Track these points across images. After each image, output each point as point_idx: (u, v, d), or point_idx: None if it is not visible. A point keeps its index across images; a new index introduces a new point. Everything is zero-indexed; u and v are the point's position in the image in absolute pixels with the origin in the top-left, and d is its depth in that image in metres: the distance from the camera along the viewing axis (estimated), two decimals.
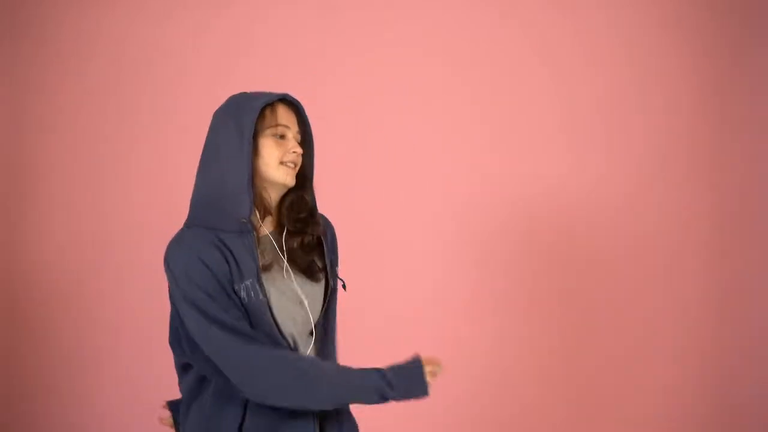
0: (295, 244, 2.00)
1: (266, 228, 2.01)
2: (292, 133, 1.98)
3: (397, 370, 1.91)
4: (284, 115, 1.97)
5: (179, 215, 3.25)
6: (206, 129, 3.25)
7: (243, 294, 1.88)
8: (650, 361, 3.40)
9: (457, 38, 3.41)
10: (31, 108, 3.35)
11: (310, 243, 2.03)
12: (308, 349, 1.99)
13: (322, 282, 2.05)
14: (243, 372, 1.83)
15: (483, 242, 3.39)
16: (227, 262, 1.87)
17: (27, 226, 3.33)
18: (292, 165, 1.97)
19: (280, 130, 1.96)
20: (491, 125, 3.42)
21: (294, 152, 1.96)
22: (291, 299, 1.96)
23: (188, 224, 1.96)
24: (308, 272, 2.01)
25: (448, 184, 3.40)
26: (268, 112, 1.97)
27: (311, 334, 2.01)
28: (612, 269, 3.42)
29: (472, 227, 3.38)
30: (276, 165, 1.95)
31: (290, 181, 1.97)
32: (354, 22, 3.39)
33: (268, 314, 1.90)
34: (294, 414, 1.91)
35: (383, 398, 1.88)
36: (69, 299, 3.32)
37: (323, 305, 2.06)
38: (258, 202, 1.97)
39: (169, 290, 1.93)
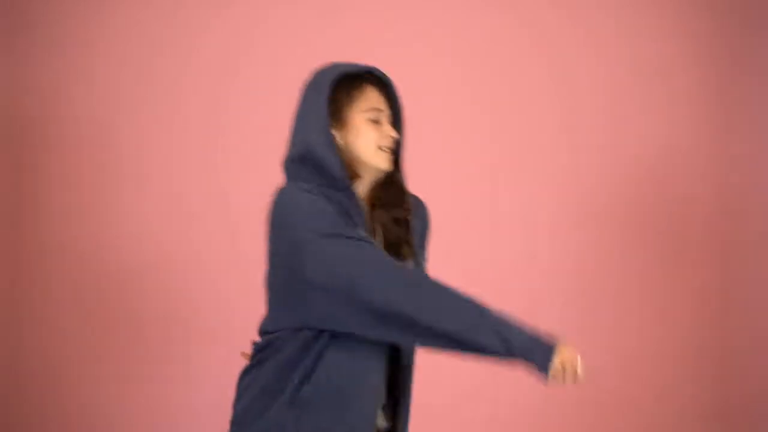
0: (385, 218, 1.95)
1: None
2: (385, 115, 1.94)
3: (529, 331, 1.77)
4: (375, 97, 1.93)
5: (184, 212, 3.29)
6: (210, 126, 3.30)
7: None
8: (648, 360, 3.40)
9: (459, 37, 3.41)
10: (31, 105, 3.35)
11: (400, 219, 1.97)
12: None
13: (409, 263, 1.98)
14: (390, 280, 1.76)
15: (486, 243, 3.39)
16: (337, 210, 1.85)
17: (28, 225, 3.33)
18: (388, 149, 1.93)
19: (373, 114, 1.91)
20: (492, 124, 3.42)
21: (390, 136, 1.92)
22: None
23: (290, 179, 1.93)
24: (394, 248, 1.95)
25: (448, 184, 3.39)
26: (357, 93, 1.91)
27: None
28: (613, 265, 3.42)
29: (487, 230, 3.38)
30: (374, 150, 1.91)
31: (388, 165, 1.94)
32: (354, 22, 3.39)
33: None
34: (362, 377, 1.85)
35: (505, 346, 1.74)
36: (70, 298, 3.32)
37: None
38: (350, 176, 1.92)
39: (275, 248, 1.87)
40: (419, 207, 2.05)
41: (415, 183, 3.30)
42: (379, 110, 1.92)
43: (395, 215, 1.95)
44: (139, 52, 3.36)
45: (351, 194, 1.87)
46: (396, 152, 1.98)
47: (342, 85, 1.91)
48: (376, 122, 1.92)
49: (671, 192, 3.43)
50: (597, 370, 3.38)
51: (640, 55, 3.42)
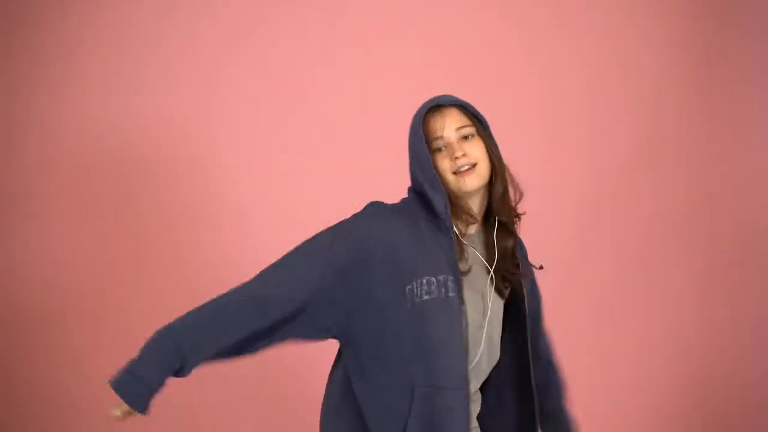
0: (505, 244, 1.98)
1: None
2: (448, 138, 1.91)
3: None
4: (433, 125, 1.92)
5: (182, 212, 3.29)
6: (208, 124, 3.30)
7: (424, 288, 1.82)
8: (634, 358, 3.43)
9: (457, 38, 3.43)
10: (28, 104, 3.35)
11: (511, 246, 1.98)
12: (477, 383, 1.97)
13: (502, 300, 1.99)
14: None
15: None
16: (410, 247, 1.85)
17: (27, 227, 3.33)
18: (465, 168, 1.90)
19: (434, 144, 1.91)
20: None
21: (456, 158, 1.89)
22: (477, 309, 1.94)
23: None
24: (501, 284, 1.97)
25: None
26: (423, 127, 1.92)
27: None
28: (600, 264, 3.43)
29: None
30: (452, 177, 1.90)
31: (467, 185, 1.90)
32: (354, 22, 3.40)
33: (460, 312, 1.84)
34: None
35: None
36: (70, 301, 3.32)
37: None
38: (458, 211, 1.92)
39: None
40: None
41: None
42: (438, 138, 1.91)
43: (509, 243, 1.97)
44: (135, 51, 3.36)
45: (449, 233, 1.86)
46: (493, 164, 1.95)
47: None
48: (441, 150, 1.91)
49: (658, 186, 3.44)
50: (588, 368, 3.43)
51: (626, 51, 3.45)
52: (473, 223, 1.93)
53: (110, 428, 2.43)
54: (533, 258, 2.08)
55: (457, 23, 3.42)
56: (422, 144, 1.88)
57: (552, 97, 3.43)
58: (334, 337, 1.91)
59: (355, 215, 1.93)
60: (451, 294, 1.80)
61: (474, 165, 1.90)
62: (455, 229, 1.90)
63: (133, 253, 3.29)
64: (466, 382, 1.81)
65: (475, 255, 1.94)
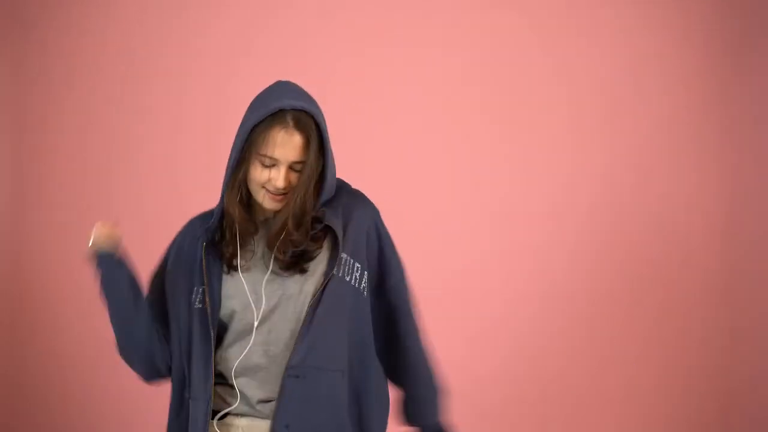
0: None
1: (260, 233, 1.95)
2: (283, 163, 1.85)
3: None
4: (277, 145, 1.84)
5: (186, 213, 3.28)
6: (212, 127, 3.28)
7: (193, 296, 1.94)
8: (653, 359, 3.41)
9: (457, 33, 3.43)
10: (35, 106, 3.35)
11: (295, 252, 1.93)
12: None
13: (313, 275, 1.93)
14: None
15: (484, 243, 3.39)
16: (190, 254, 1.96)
17: (31, 227, 3.33)
18: (277, 195, 1.88)
19: (266, 160, 1.85)
20: (494, 123, 3.42)
21: (275, 186, 1.86)
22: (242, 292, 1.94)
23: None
24: (292, 267, 1.92)
25: (448, 183, 3.39)
26: (259, 135, 1.84)
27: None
28: (617, 266, 3.42)
29: (482, 230, 3.38)
30: (260, 188, 1.88)
31: (271, 206, 1.89)
32: (355, 20, 3.39)
33: (207, 322, 1.91)
34: None
35: None
36: (73, 299, 3.33)
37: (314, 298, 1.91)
38: (254, 210, 1.94)
39: None
40: (357, 205, 1.99)
41: (418, 182, 3.34)
42: (272, 159, 1.86)
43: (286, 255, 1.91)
44: (145, 51, 3.37)
45: (201, 246, 1.95)
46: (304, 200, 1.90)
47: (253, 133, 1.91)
48: (269, 167, 1.88)
49: (672, 189, 3.43)
50: (599, 369, 3.42)
51: (639, 50, 3.43)
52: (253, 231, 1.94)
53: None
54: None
55: (469, 21, 3.42)
56: (234, 156, 1.88)
57: (563, 98, 3.42)
58: None
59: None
60: (198, 306, 1.91)
61: (286, 195, 1.88)
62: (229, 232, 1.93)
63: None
64: (206, 394, 1.87)
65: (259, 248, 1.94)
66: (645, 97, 3.41)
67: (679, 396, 3.39)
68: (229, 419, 1.92)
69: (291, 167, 1.86)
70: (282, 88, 1.91)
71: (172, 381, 2.01)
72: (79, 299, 3.28)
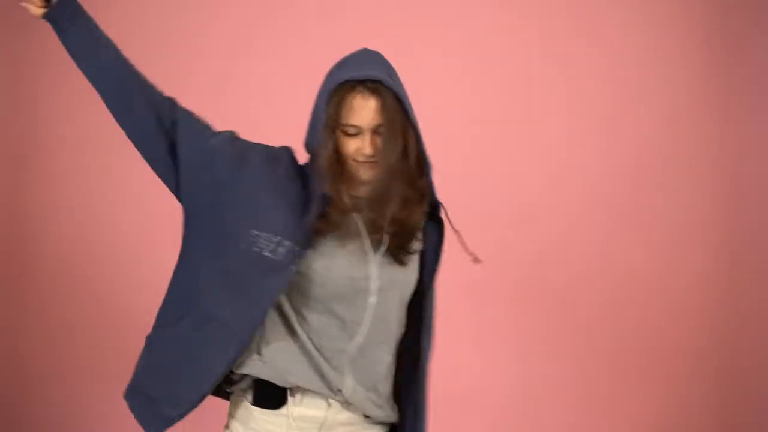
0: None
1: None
2: (366, 129, 1.86)
3: None
4: (358, 110, 1.84)
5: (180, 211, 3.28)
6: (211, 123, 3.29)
7: (269, 243, 1.83)
8: (649, 362, 3.45)
9: (460, 33, 3.46)
10: (35, 103, 3.36)
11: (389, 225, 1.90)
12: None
13: (409, 270, 1.95)
14: None
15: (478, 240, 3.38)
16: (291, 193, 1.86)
17: (29, 224, 3.34)
18: (367, 163, 1.87)
19: (350, 129, 1.85)
20: (494, 123, 3.42)
21: (363, 154, 1.86)
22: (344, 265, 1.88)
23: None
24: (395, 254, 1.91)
25: (446, 182, 3.39)
26: (339, 101, 1.84)
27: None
28: (611, 267, 3.42)
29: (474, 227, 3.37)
30: (350, 161, 1.87)
31: (365, 176, 1.88)
32: (355, 20, 3.40)
33: (286, 273, 1.81)
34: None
35: None
36: (77, 293, 3.34)
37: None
38: (348, 180, 1.89)
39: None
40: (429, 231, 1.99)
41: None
42: (355, 126, 1.85)
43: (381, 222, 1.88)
44: (137, 53, 3.36)
45: (321, 207, 1.85)
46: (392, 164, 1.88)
47: (334, 94, 1.86)
48: (353, 135, 1.86)
49: (673, 181, 3.46)
50: (596, 371, 3.42)
51: (640, 44, 3.46)
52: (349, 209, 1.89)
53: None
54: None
55: (467, 21, 3.45)
56: (326, 124, 1.85)
57: (564, 91, 3.47)
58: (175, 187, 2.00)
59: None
60: (286, 257, 1.81)
61: (377, 162, 1.87)
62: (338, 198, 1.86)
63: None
64: (249, 331, 1.81)
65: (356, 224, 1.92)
66: (645, 96, 3.43)
67: (666, 392, 3.43)
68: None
69: (375, 132, 1.86)
70: (360, 57, 1.92)
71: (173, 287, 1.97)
72: (86, 293, 3.29)
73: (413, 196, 1.88)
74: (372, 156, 1.85)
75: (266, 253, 1.81)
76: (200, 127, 1.94)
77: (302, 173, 1.92)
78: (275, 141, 3.30)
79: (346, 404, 1.90)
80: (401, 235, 1.90)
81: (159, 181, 3.31)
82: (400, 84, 1.88)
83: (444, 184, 3.36)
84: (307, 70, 3.38)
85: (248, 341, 1.83)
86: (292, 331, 1.88)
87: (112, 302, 3.35)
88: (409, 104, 1.87)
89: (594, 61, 3.42)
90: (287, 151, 1.96)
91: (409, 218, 1.89)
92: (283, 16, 3.38)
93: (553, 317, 3.40)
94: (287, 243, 1.81)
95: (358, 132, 1.85)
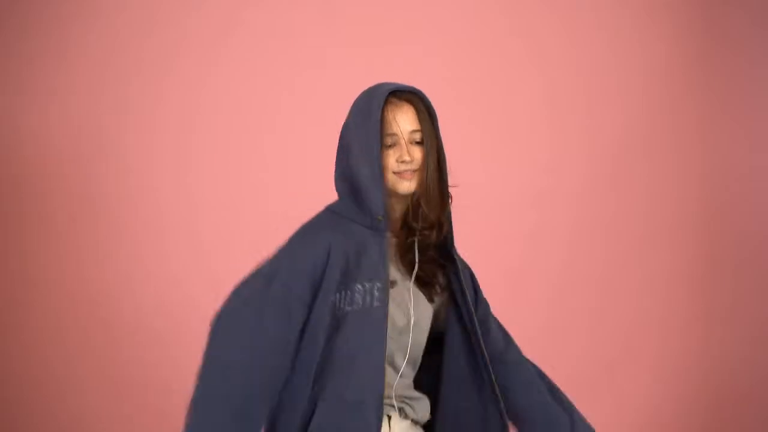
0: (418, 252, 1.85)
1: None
2: (404, 137, 1.83)
3: None
4: (392, 120, 1.82)
5: (178, 208, 3.28)
6: (201, 118, 3.30)
7: (356, 294, 1.77)
8: (637, 359, 3.44)
9: (442, 31, 3.44)
10: (33, 103, 3.35)
11: (427, 250, 1.88)
12: (394, 382, 1.85)
13: (433, 305, 1.92)
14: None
15: (476, 238, 3.40)
16: (346, 253, 1.76)
17: (29, 230, 3.33)
18: (407, 173, 1.83)
19: (387, 140, 1.82)
20: (477, 118, 3.45)
21: (402, 161, 1.82)
22: (400, 317, 1.85)
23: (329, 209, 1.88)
24: (426, 288, 1.89)
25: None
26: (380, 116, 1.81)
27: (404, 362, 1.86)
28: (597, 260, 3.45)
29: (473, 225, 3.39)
30: (390, 174, 1.82)
31: (403, 189, 1.83)
32: (348, 22, 3.40)
33: (384, 325, 1.77)
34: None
35: None
36: (72, 298, 3.32)
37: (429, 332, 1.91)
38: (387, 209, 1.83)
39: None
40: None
41: None
42: (392, 135, 1.82)
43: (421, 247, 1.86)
44: (127, 52, 3.35)
45: (383, 238, 1.80)
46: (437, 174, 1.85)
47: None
48: (392, 146, 1.83)
49: (653, 169, 3.46)
50: (578, 370, 3.43)
51: (619, 35, 3.47)
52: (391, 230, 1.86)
53: None
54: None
55: (454, 22, 3.43)
56: (376, 132, 1.79)
57: (543, 82, 3.45)
58: None
59: (284, 249, 1.81)
60: (376, 304, 1.76)
61: (415, 171, 1.84)
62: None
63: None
64: (380, 396, 1.76)
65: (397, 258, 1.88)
66: (624, 88, 3.44)
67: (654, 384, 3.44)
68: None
69: (411, 141, 1.84)
70: (380, 85, 1.88)
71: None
72: (81, 297, 3.30)
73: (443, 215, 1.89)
74: (411, 165, 1.83)
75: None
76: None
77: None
78: (258, 140, 3.29)
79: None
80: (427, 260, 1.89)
81: (159, 177, 3.34)
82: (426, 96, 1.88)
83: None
84: (301, 71, 3.42)
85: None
86: None
87: (109, 305, 3.34)
88: (437, 122, 1.88)
89: (573, 55, 3.44)
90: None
91: (432, 236, 1.88)
92: (280, 12, 3.37)
93: (533, 307, 3.41)
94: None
95: (394, 143, 1.83)
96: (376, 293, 1.77)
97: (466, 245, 3.31)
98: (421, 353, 1.90)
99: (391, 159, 1.82)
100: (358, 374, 1.74)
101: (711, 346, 3.47)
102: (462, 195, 3.34)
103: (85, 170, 3.31)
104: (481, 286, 3.34)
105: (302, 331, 1.74)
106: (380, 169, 1.79)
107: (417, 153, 1.83)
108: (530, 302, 3.40)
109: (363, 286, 1.77)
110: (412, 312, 1.85)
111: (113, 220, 3.32)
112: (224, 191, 3.31)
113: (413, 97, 1.84)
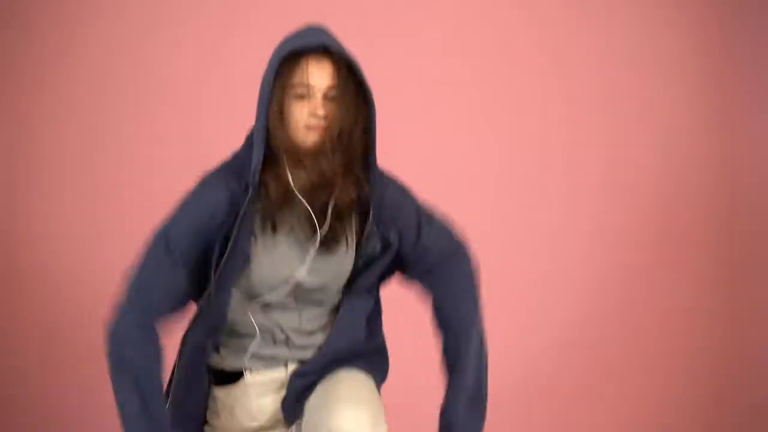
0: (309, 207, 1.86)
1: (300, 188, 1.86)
2: (320, 90, 1.80)
3: None
4: (307, 71, 1.79)
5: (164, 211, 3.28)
6: (202, 114, 3.28)
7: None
8: (657, 359, 3.39)
9: (457, 29, 3.39)
10: (30, 94, 3.36)
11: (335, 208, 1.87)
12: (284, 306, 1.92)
13: (344, 253, 1.92)
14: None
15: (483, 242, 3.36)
16: (230, 204, 1.83)
17: (22, 221, 3.34)
18: (318, 127, 1.80)
19: (299, 89, 1.79)
20: (492, 120, 3.41)
21: (314, 115, 1.79)
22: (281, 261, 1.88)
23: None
24: (324, 242, 1.89)
25: (449, 180, 3.37)
26: (290, 67, 1.79)
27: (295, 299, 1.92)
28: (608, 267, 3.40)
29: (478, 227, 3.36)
30: (300, 128, 1.80)
31: (310, 141, 1.81)
32: (355, 16, 3.38)
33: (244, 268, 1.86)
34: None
35: None
36: (72, 294, 3.33)
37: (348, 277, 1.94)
38: (291, 162, 1.83)
39: None
40: (383, 187, 1.95)
41: (416, 181, 3.31)
42: (307, 86, 1.79)
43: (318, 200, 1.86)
44: (127, 50, 3.36)
45: (250, 194, 1.82)
46: (343, 135, 1.82)
47: (284, 64, 1.81)
48: (304, 97, 1.80)
49: (676, 185, 3.40)
50: (596, 373, 3.39)
51: (636, 46, 3.41)
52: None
53: None
54: None
55: (465, 17, 3.39)
56: (266, 92, 1.80)
57: (562, 95, 3.41)
58: None
59: (188, 195, 1.93)
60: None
61: (327, 127, 1.81)
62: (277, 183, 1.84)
63: None
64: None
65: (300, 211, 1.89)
66: (645, 92, 3.39)
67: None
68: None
69: (326, 96, 1.81)
70: (311, 30, 1.86)
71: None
72: (81, 293, 3.30)
73: (351, 175, 1.86)
74: (324, 118, 1.80)
75: None
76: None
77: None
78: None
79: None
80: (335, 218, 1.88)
81: (154, 181, 3.33)
82: (353, 56, 1.83)
83: (445, 180, 3.37)
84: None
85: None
86: None
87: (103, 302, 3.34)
88: (365, 77, 1.83)
89: (591, 57, 3.40)
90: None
91: (341, 198, 1.86)
92: (283, 9, 3.35)
93: (548, 317, 3.37)
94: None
95: (308, 94, 1.80)
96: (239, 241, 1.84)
97: (488, 241, 3.33)
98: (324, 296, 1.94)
99: (303, 111, 1.80)
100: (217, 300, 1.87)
101: (733, 347, 3.42)
102: (480, 193, 3.36)
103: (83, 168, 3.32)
104: (501, 281, 3.34)
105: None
106: (265, 126, 1.80)
107: (331, 109, 1.81)
108: (551, 301, 3.38)
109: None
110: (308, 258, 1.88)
111: (113, 220, 3.33)
112: None
113: (336, 56, 1.80)
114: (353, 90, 1.82)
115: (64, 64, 3.35)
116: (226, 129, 3.22)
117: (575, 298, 3.39)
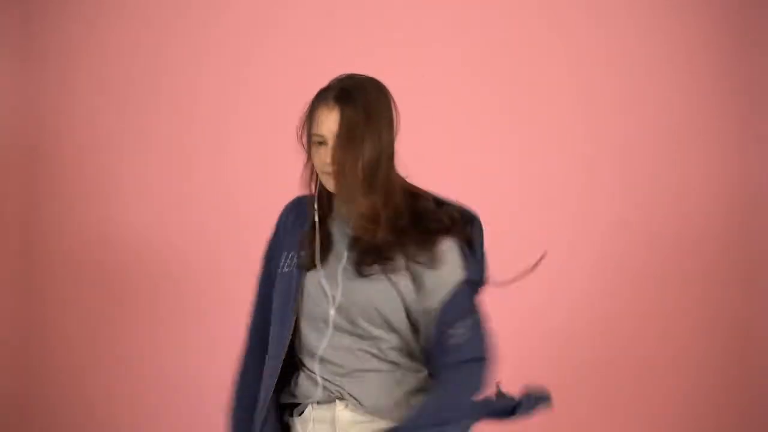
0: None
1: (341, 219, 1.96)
2: (330, 138, 1.86)
3: None
4: (320, 121, 1.87)
5: (198, 202, 3.32)
6: (218, 114, 3.32)
7: (282, 260, 1.99)
8: (668, 368, 3.39)
9: (468, 21, 3.40)
10: (43, 108, 3.36)
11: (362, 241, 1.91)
12: (322, 341, 1.93)
13: (380, 280, 1.92)
14: None
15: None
16: (288, 229, 2.01)
17: (37, 218, 3.36)
18: (327, 171, 1.88)
19: (315, 139, 1.88)
20: (504, 114, 3.41)
21: (327, 163, 1.86)
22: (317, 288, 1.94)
23: None
24: (358, 267, 1.92)
25: (456, 179, 3.37)
26: (311, 117, 1.89)
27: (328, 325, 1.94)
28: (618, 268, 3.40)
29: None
30: (322, 174, 1.90)
31: (329, 187, 1.90)
32: (364, 20, 3.39)
33: (291, 286, 1.95)
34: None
35: None
36: (88, 295, 3.36)
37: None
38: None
39: None
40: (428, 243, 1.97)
41: (434, 181, 3.32)
42: (319, 136, 1.88)
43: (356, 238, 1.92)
44: (146, 54, 3.37)
45: (306, 221, 1.97)
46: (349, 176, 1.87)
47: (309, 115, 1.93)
48: (320, 145, 1.89)
49: (692, 186, 3.40)
50: (612, 381, 3.39)
51: (653, 47, 3.40)
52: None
53: None
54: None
55: (476, 9, 3.40)
56: (307, 135, 1.92)
57: (578, 92, 3.40)
58: None
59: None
60: (285, 269, 1.97)
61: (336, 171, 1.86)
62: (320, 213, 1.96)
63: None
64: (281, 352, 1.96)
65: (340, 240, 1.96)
66: (663, 94, 3.39)
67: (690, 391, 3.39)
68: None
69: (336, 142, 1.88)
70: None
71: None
72: (96, 294, 3.33)
73: (367, 211, 1.88)
74: (332, 164, 1.86)
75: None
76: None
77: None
78: (274, 141, 3.32)
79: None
80: (362, 250, 1.92)
81: (170, 175, 3.35)
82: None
83: (450, 180, 3.36)
84: (312, 70, 3.39)
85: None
86: None
87: (124, 297, 3.36)
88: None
89: (605, 50, 3.39)
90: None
91: (366, 234, 1.89)
92: (288, 20, 3.37)
93: (559, 318, 3.39)
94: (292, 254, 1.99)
95: (323, 142, 1.88)
96: (293, 260, 1.96)
97: (505, 244, 3.34)
98: (361, 323, 1.93)
99: (318, 160, 1.89)
100: (274, 330, 1.97)
101: (742, 350, 3.42)
102: (497, 192, 3.36)
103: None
104: (516, 284, 3.32)
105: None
106: (310, 170, 1.94)
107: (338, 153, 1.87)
108: (564, 302, 3.38)
109: (288, 253, 1.98)
110: (333, 286, 1.93)
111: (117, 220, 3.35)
112: (224, 190, 3.35)
113: (342, 97, 1.86)
114: (360, 131, 1.86)
115: (88, 68, 3.39)
116: (254, 137, 3.34)
117: (582, 298, 3.40)
